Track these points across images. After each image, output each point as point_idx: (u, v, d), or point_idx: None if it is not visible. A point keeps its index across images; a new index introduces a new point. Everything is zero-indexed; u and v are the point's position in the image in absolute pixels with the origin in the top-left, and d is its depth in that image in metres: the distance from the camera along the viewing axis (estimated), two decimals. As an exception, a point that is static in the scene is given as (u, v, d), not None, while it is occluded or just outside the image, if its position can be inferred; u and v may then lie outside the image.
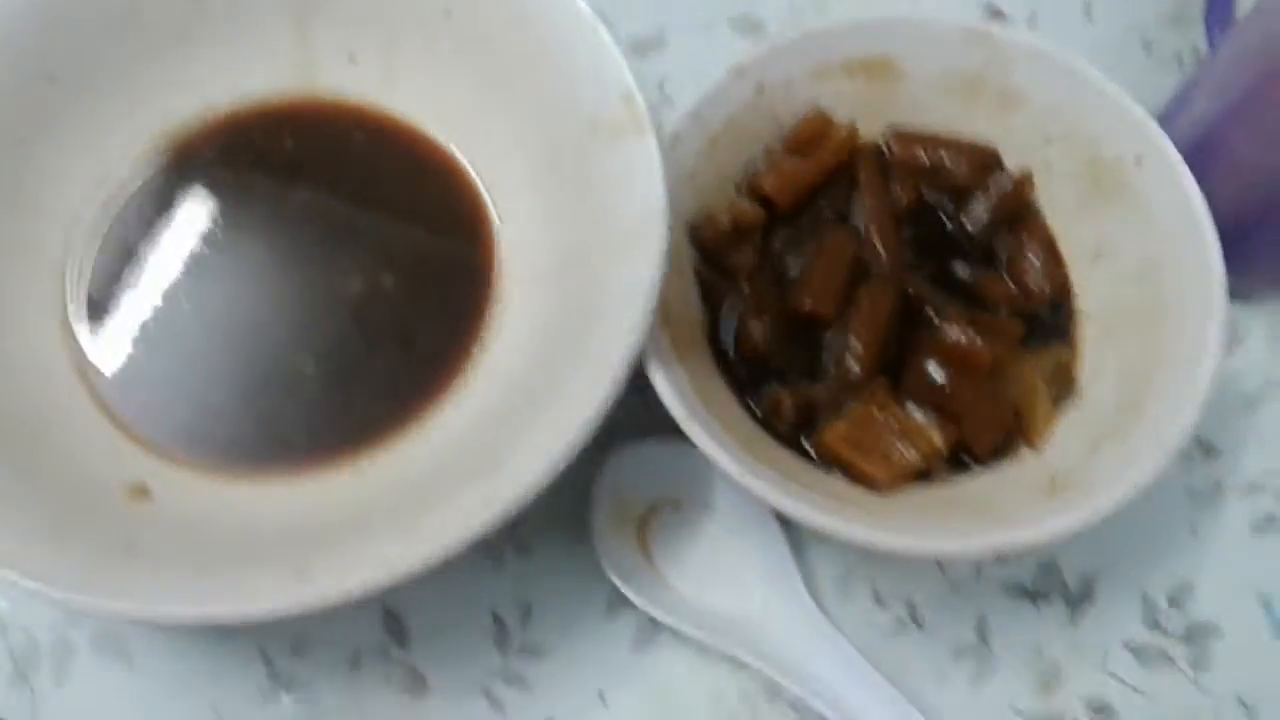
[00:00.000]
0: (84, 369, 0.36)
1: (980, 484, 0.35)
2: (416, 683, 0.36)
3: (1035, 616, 0.37)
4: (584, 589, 0.37)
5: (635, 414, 0.37)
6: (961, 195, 0.39)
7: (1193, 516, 0.39)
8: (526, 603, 0.37)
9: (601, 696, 0.36)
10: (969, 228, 0.38)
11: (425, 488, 0.33)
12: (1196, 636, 0.37)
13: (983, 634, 0.37)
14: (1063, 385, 0.36)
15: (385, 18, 0.39)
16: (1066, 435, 0.35)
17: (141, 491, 0.34)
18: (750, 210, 0.37)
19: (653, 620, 0.36)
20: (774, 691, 0.36)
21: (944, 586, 0.37)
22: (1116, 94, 0.37)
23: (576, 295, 0.35)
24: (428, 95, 0.40)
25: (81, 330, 0.37)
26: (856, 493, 0.35)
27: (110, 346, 0.37)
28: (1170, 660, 0.37)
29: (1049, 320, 0.38)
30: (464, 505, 0.31)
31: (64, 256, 0.38)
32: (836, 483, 0.35)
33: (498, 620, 0.36)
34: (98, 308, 0.37)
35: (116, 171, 0.39)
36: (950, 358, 0.35)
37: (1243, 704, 0.36)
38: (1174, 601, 0.37)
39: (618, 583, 0.35)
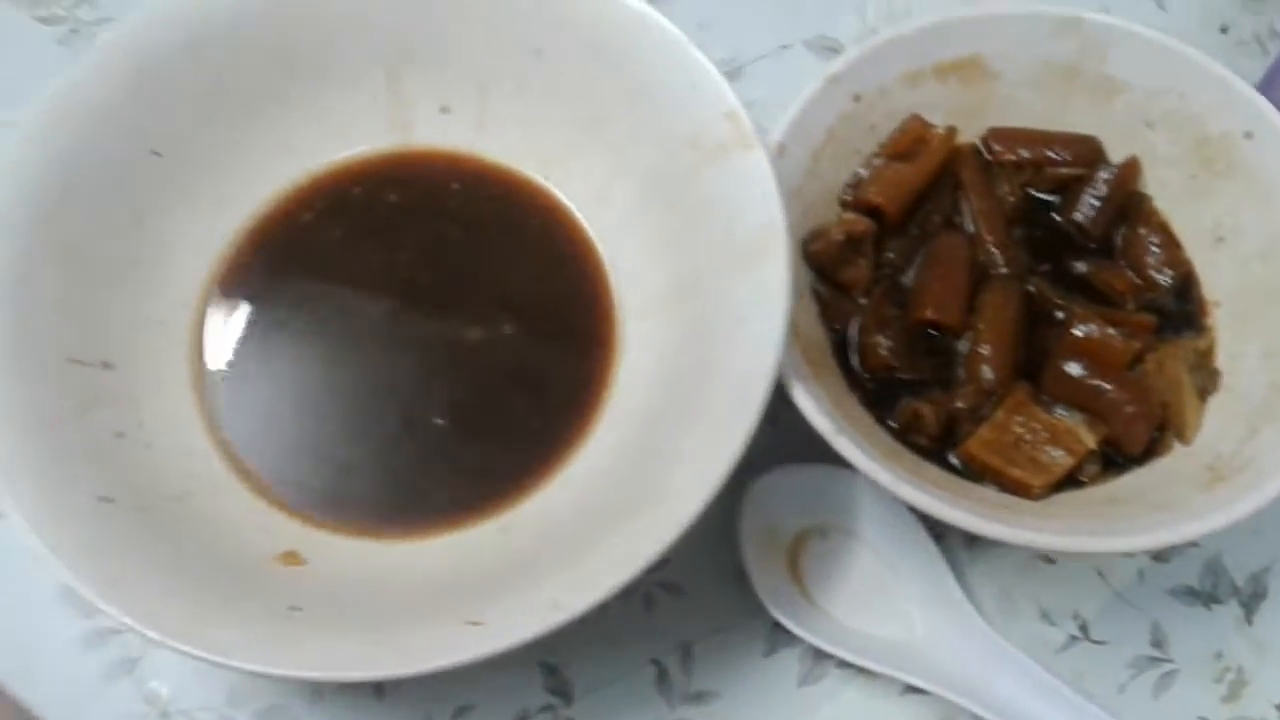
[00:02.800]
0: (221, 442, 0.36)
1: (1135, 481, 0.34)
2: (587, 740, 0.35)
3: (1209, 619, 0.36)
4: (741, 626, 0.36)
5: (768, 444, 0.36)
6: (1068, 189, 0.39)
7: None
8: (686, 645, 0.36)
9: (775, 737, 0.35)
10: (1080, 221, 0.38)
11: (577, 529, 0.33)
12: (1378, 626, 0.36)
13: (1159, 642, 0.36)
14: (1205, 374, 0.36)
15: (476, 62, 0.39)
16: (1217, 424, 0.35)
17: (293, 557, 0.34)
18: (860, 221, 0.37)
19: (817, 652, 0.35)
20: (949, 718, 0.35)
21: (1111, 596, 0.36)
22: (1219, 70, 0.37)
23: (701, 318, 0.35)
24: (522, 138, 0.40)
25: (215, 404, 0.37)
26: (1009, 501, 0.34)
27: (244, 418, 0.36)
28: (1355, 653, 0.36)
29: (1177, 310, 0.37)
30: (624, 542, 0.31)
31: (187, 330, 0.38)
32: (987, 492, 0.34)
33: (659, 667, 0.36)
34: (226, 379, 0.37)
35: (229, 241, 0.39)
36: (1088, 354, 0.35)
37: None
38: (1354, 593, 0.37)
39: (779, 617, 0.35)
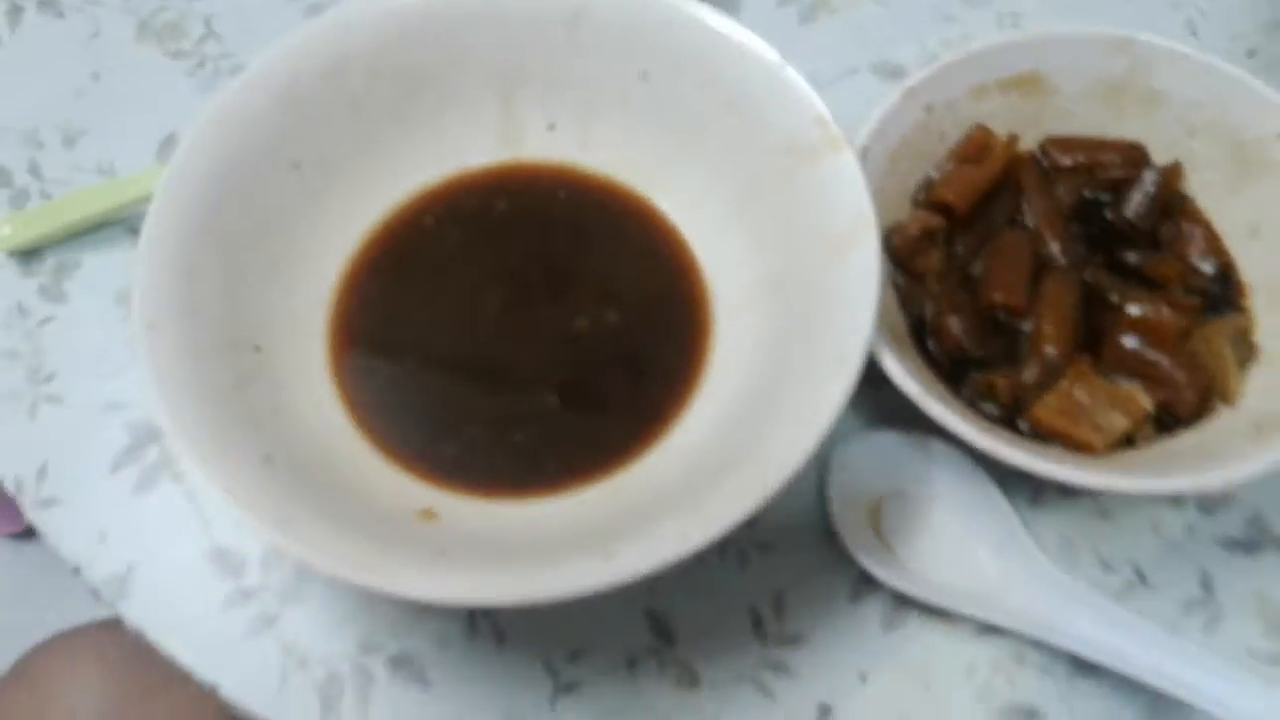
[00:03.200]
0: (359, 419, 0.40)
1: (1187, 440, 0.38)
2: (689, 678, 0.38)
3: (1253, 565, 0.39)
4: (828, 578, 0.39)
5: (850, 415, 0.40)
6: (1118, 190, 0.43)
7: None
8: (779, 595, 0.39)
9: (862, 676, 0.38)
10: (1130, 217, 0.42)
11: (684, 489, 0.36)
12: None
13: (1207, 586, 0.39)
14: (1245, 347, 0.39)
15: (584, 87, 0.44)
16: (1258, 389, 0.38)
17: (430, 514, 0.37)
18: (933, 217, 0.41)
19: (898, 601, 0.39)
20: (1020, 657, 0.38)
21: (1163, 546, 0.40)
22: (1254, 82, 0.41)
23: (796, 305, 0.39)
24: (622, 152, 0.44)
25: (352, 387, 0.41)
26: (1075, 458, 0.38)
27: (377, 399, 0.40)
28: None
29: (1218, 293, 0.41)
30: (734, 489, 0.34)
31: (324, 321, 0.42)
32: (1054, 451, 0.38)
33: (754, 614, 0.39)
34: (361, 367, 0.41)
35: (358, 243, 0.43)
36: (1142, 331, 0.39)
37: None
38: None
39: (865, 564, 0.38)
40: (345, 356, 0.41)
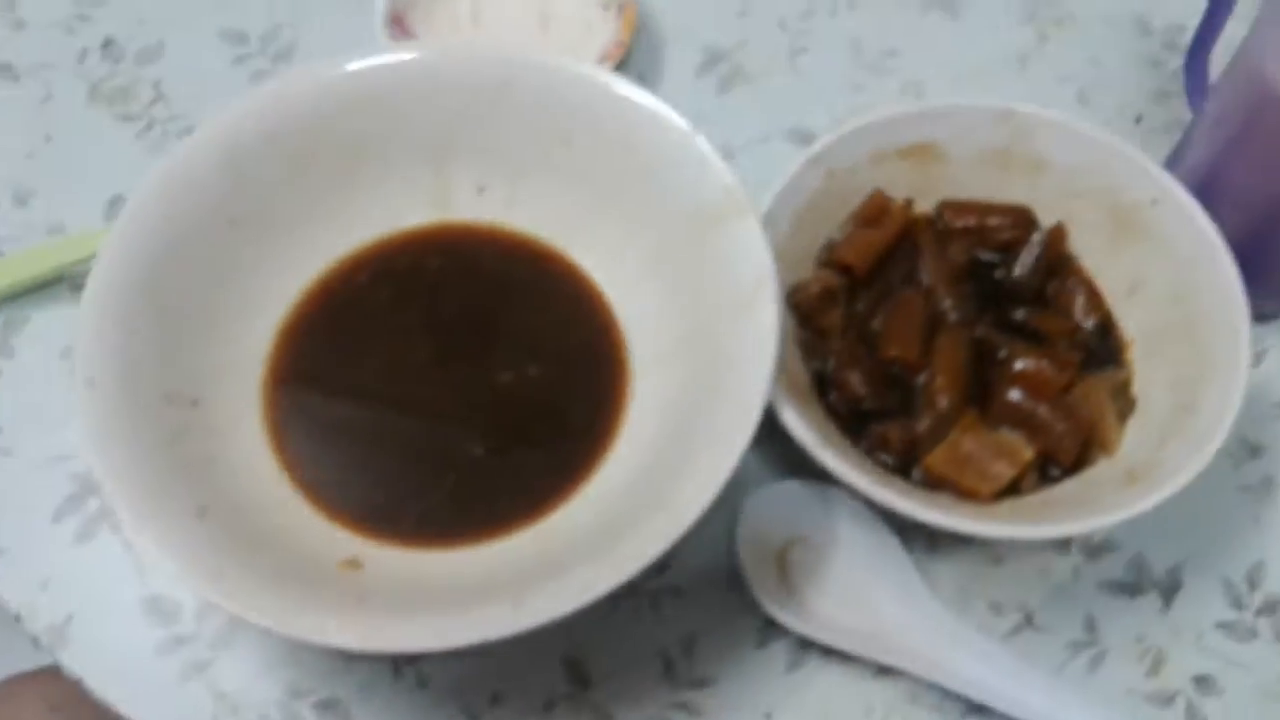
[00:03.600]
0: (290, 470, 0.42)
1: (1068, 488, 0.41)
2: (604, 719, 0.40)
3: (1134, 608, 0.42)
4: (736, 622, 0.42)
5: (758, 467, 0.43)
6: (1007, 251, 0.46)
7: (1253, 508, 0.44)
8: (689, 639, 0.41)
9: (767, 716, 0.40)
10: (1018, 276, 0.45)
11: (599, 533, 0.39)
12: (1276, 608, 0.42)
13: (1091, 628, 0.42)
14: (1123, 400, 0.42)
15: (511, 152, 0.46)
16: (1134, 439, 0.41)
17: (354, 563, 0.39)
18: (834, 277, 0.44)
19: (801, 643, 0.41)
20: (915, 697, 0.40)
21: (1050, 590, 0.42)
22: (1129, 150, 0.44)
23: (705, 359, 0.41)
24: (547, 213, 0.47)
25: (284, 438, 0.43)
26: (963, 506, 0.40)
27: (309, 450, 0.42)
28: (1255, 633, 0.42)
29: (1100, 348, 0.44)
30: (638, 539, 0.36)
31: (260, 374, 0.44)
32: (944, 499, 0.41)
33: (665, 657, 0.41)
34: (294, 418, 0.43)
35: (294, 299, 0.45)
36: (1026, 384, 0.42)
37: (1324, 665, 0.41)
38: (1251, 581, 0.43)
39: (771, 610, 0.41)
40: (279, 408, 0.43)
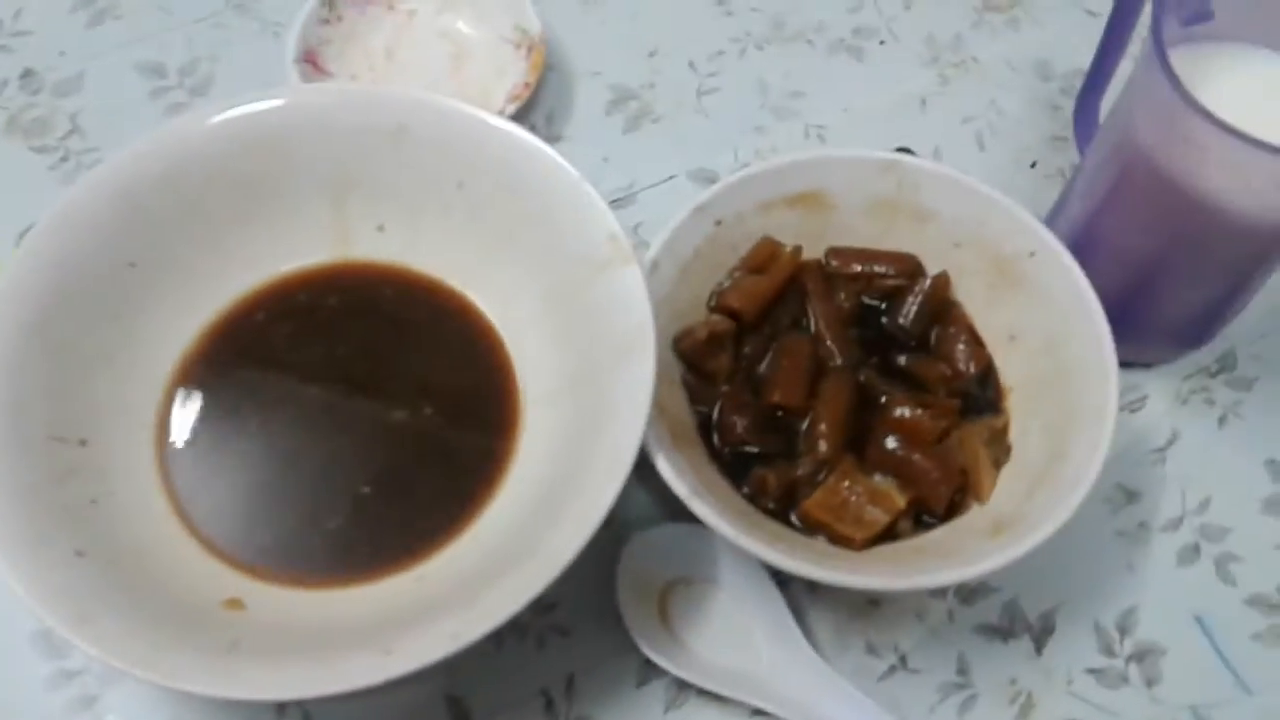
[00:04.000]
0: (178, 508, 0.42)
1: (939, 535, 0.42)
2: (482, 757, 0.41)
3: (1006, 652, 0.43)
4: (617, 662, 0.42)
5: (645, 507, 0.44)
6: (893, 297, 0.47)
7: (1127, 554, 0.45)
8: (570, 679, 0.42)
9: (643, 754, 0.41)
10: (903, 323, 0.46)
11: (477, 576, 0.39)
12: (1146, 656, 0.43)
13: (963, 670, 0.43)
14: (999, 447, 0.43)
15: (408, 193, 0.47)
16: (1006, 487, 0.42)
17: (236, 603, 0.40)
18: (722, 322, 0.45)
19: (680, 684, 0.42)
20: (787, 734, 0.41)
21: (925, 633, 0.43)
22: (1007, 203, 0.45)
23: (587, 401, 0.42)
24: (445, 253, 0.48)
25: (174, 476, 0.43)
26: (837, 552, 0.41)
27: (198, 488, 0.43)
28: (1126, 679, 0.43)
29: (980, 395, 0.45)
30: (511, 586, 0.37)
31: (154, 413, 0.44)
32: (819, 544, 0.41)
33: (546, 696, 0.42)
34: (185, 457, 0.43)
35: (191, 337, 0.46)
36: (903, 431, 0.43)
37: (1194, 712, 0.42)
38: (1122, 628, 0.44)
39: (647, 651, 0.41)
40: (171, 447, 0.44)
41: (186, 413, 0.45)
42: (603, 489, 0.38)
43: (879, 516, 0.41)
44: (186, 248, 0.46)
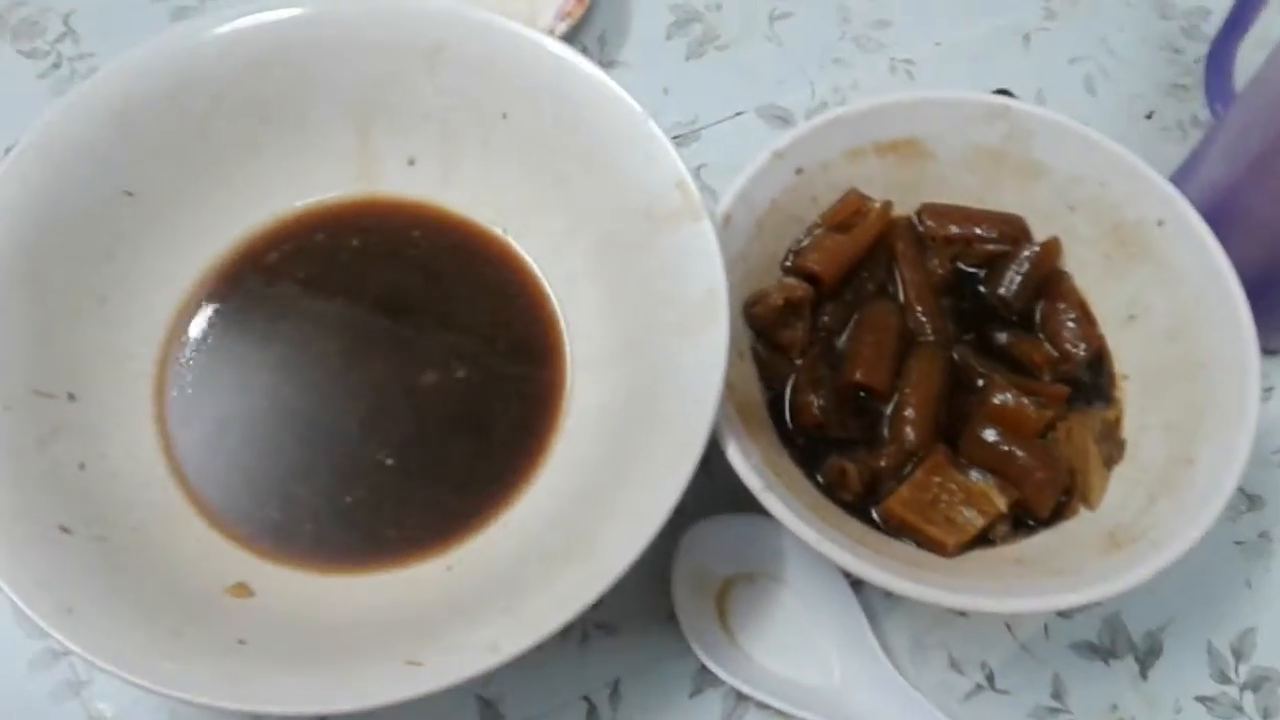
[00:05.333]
0: (179, 474, 0.37)
1: (1042, 543, 0.37)
2: (515, 770, 0.37)
3: (1107, 674, 0.38)
4: (669, 666, 0.38)
5: (704, 492, 0.38)
6: (994, 264, 0.41)
7: (1245, 568, 0.40)
8: (615, 683, 0.38)
9: (695, 773, 0.37)
10: (1004, 295, 0.40)
11: (518, 572, 0.34)
12: (1263, 684, 0.38)
13: (1058, 694, 0.38)
14: (1111, 444, 0.38)
15: (444, 123, 0.41)
16: (1121, 492, 0.37)
17: (243, 589, 0.35)
18: (799, 287, 0.39)
19: (738, 695, 0.37)
20: (858, 757, 0.37)
21: (1016, 649, 0.39)
22: (1135, 162, 0.39)
23: (645, 375, 0.37)
24: (484, 192, 0.42)
25: (174, 437, 0.38)
26: (925, 557, 0.36)
27: (201, 451, 0.38)
28: (1240, 710, 0.38)
29: (1089, 382, 0.39)
30: (560, 589, 0.32)
31: (152, 364, 0.39)
32: (904, 548, 0.36)
33: (588, 703, 0.37)
34: (187, 414, 0.38)
35: (195, 279, 0.41)
36: (1004, 421, 0.37)
37: (1311, 746, 0.38)
38: (1238, 652, 0.39)
39: (703, 657, 0.37)
40: (172, 404, 0.39)
41: (188, 366, 0.40)
42: (665, 482, 0.33)
43: (974, 520, 0.36)
44: (190, 177, 0.41)
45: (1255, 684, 0.38)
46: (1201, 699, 0.38)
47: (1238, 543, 0.41)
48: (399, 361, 0.40)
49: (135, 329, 0.39)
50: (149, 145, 0.40)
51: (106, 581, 0.33)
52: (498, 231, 0.42)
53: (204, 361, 0.40)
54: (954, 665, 0.38)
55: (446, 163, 0.42)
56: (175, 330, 0.40)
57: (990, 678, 0.38)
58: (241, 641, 0.32)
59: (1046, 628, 0.39)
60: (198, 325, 0.40)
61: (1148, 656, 0.39)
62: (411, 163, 0.43)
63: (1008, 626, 0.39)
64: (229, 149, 0.41)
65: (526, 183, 0.41)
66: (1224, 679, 0.38)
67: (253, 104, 0.41)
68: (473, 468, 0.38)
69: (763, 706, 0.37)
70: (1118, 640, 0.39)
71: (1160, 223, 0.39)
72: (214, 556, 0.36)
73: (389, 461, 0.38)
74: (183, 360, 0.40)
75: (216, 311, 0.41)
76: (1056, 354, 0.39)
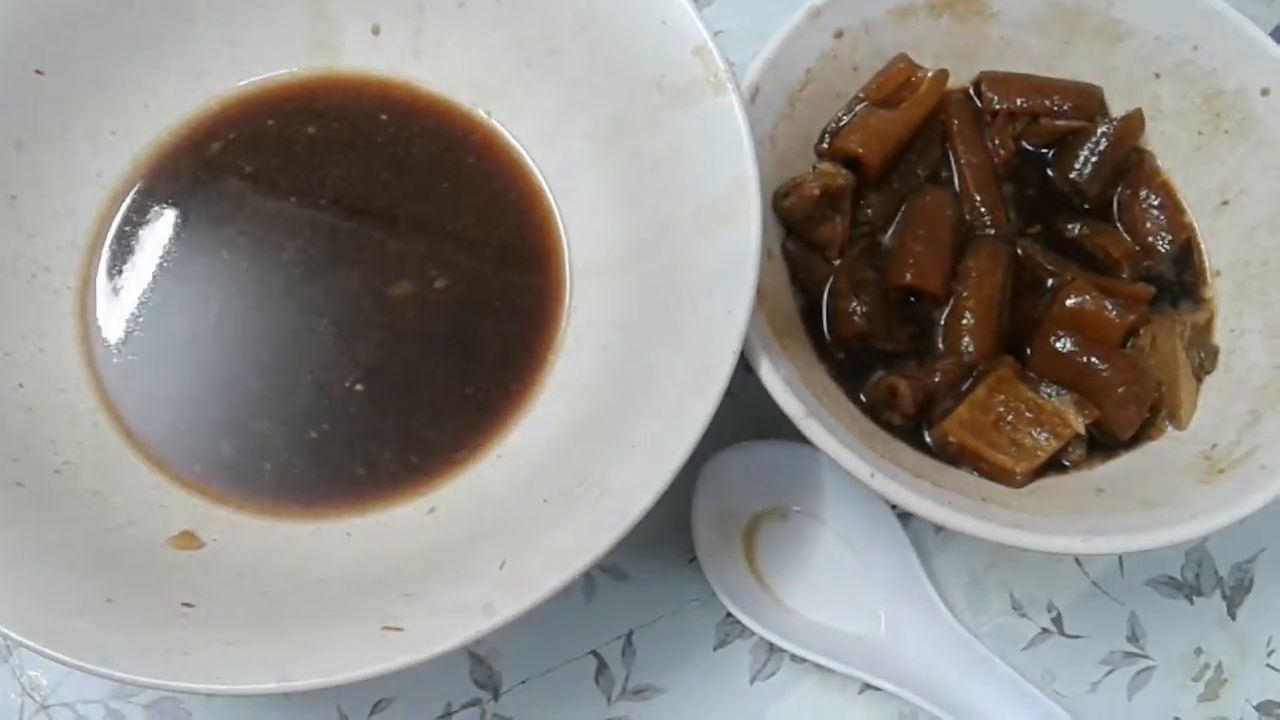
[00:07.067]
0: (111, 406, 0.32)
1: (1125, 468, 0.32)
2: (514, 739, 0.32)
3: (1190, 613, 0.34)
4: (689, 616, 0.34)
5: (727, 416, 0.33)
6: (1064, 143, 0.36)
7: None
8: (628, 636, 0.33)
9: (724, 738, 0.32)
10: (1076, 179, 0.35)
11: (513, 516, 0.30)
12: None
13: (1135, 637, 0.34)
14: (1203, 352, 0.33)
15: (413, -23, 0.35)
16: (1216, 407, 0.32)
17: (190, 539, 0.30)
18: (838, 174, 0.34)
19: (770, 647, 0.33)
20: (910, 717, 0.32)
21: (1087, 587, 0.34)
22: (1237, 19, 0.34)
23: (661, 281, 0.31)
24: (462, 65, 0.36)
25: (104, 363, 0.32)
26: (989, 487, 0.31)
27: (138, 380, 0.33)
28: (1343, 650, 0.34)
29: (1176, 280, 0.34)
30: (565, 536, 0.27)
31: (75, 277, 0.33)
32: (964, 477, 0.32)
33: (598, 659, 0.33)
34: (119, 337, 0.33)
35: (123, 175, 0.35)
36: (1079, 328, 0.32)
37: None
38: (1341, 585, 0.35)
39: (730, 607, 0.32)
40: (99, 324, 0.33)
41: (118, 279, 0.34)
42: (688, 408, 0.28)
43: (1046, 442, 0.31)
44: (111, 52, 0.35)
45: (1358, 622, 0.34)
46: (1300, 640, 0.34)
47: (1337, 460, 0.36)
48: (367, 270, 0.34)
49: (52, 235, 0.34)
50: (60, 14, 0.34)
51: (22, 535, 0.28)
52: (480, 114, 0.36)
53: (137, 274, 0.34)
54: (1016, 607, 0.34)
55: (417, 29, 0.36)
56: (100, 236, 0.34)
57: (1058, 620, 0.33)
58: (187, 605, 0.27)
59: (1121, 562, 0.34)
60: (127, 231, 0.34)
61: (1236, 593, 0.34)
62: (376, 31, 0.36)
63: (1077, 561, 0.34)
64: (157, 18, 0.35)
65: (512, 53, 0.35)
66: (1323, 616, 0.34)
67: (182, -41, 0.34)
68: (456, 393, 0.33)
69: (798, 660, 0.33)
70: (1203, 575, 0.34)
71: (1266, 91, 0.33)
72: (155, 502, 0.31)
73: (358, 387, 0.33)
74: (111, 273, 0.34)
75: (150, 214, 0.35)
76: (1138, 247, 0.34)
